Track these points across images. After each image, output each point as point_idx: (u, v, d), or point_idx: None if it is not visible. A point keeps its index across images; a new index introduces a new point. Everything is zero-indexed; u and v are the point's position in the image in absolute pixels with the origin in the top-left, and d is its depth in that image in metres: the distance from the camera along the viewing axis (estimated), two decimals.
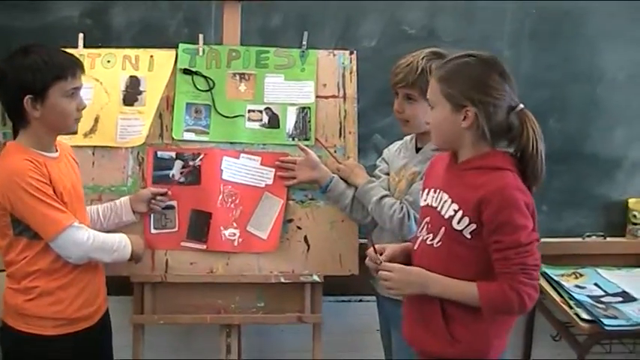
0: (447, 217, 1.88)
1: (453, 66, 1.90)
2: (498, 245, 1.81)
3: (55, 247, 2.09)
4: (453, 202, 1.88)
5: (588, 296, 2.72)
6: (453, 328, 1.90)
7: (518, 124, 1.85)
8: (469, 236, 1.85)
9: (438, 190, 1.95)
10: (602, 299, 2.70)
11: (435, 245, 1.92)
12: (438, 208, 1.92)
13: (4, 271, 2.18)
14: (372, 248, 2.02)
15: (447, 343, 1.90)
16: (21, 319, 2.12)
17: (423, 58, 2.31)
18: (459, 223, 1.86)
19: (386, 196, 2.40)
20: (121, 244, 2.26)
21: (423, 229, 1.99)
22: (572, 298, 2.70)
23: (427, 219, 1.97)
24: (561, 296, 2.75)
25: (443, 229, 1.90)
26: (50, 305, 2.12)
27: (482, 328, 1.89)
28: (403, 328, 2.08)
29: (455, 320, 1.90)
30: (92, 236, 2.15)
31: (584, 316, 2.56)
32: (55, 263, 2.12)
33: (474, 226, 1.84)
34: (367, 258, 2.05)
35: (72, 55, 2.17)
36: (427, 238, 1.95)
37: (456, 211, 1.86)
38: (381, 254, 2.01)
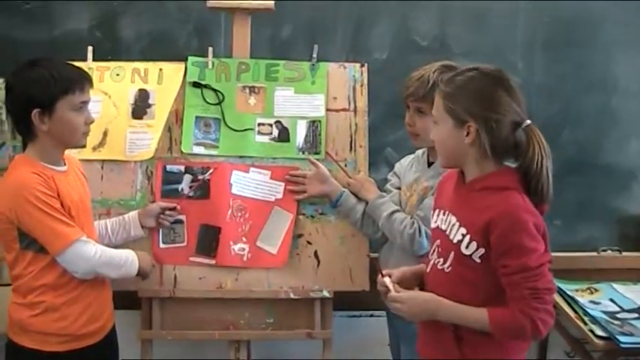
0: (455, 241, 1.84)
1: (456, 81, 1.86)
2: (506, 270, 1.75)
3: (62, 262, 2.07)
4: (461, 225, 1.84)
5: (603, 312, 2.67)
6: (466, 351, 1.86)
7: (525, 141, 1.79)
8: (479, 260, 1.79)
9: (446, 212, 1.91)
10: (618, 315, 2.65)
11: (445, 270, 1.88)
12: (447, 232, 1.88)
13: (10, 285, 2.16)
14: (380, 275, 1.98)
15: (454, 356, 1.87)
16: (25, 335, 2.10)
17: (434, 72, 2.28)
18: (467, 247, 1.81)
19: (397, 211, 2.37)
20: (129, 260, 2.24)
21: (434, 252, 1.95)
22: (586, 313, 2.65)
23: (437, 242, 1.93)
24: (575, 312, 2.70)
25: (452, 253, 1.85)
26: (55, 321, 2.10)
27: (495, 351, 1.85)
28: (417, 343, 2.05)
29: (467, 344, 1.85)
30: (99, 251, 2.14)
31: (599, 332, 2.51)
32: (61, 278, 2.10)
33: (482, 251, 1.78)
34: (378, 284, 2.00)
35: (80, 68, 2.16)
36: (438, 262, 1.91)
37: (464, 236, 1.82)
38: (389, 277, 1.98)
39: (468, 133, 1.81)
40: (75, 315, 2.13)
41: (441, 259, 1.89)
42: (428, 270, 1.97)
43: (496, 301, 1.79)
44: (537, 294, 1.74)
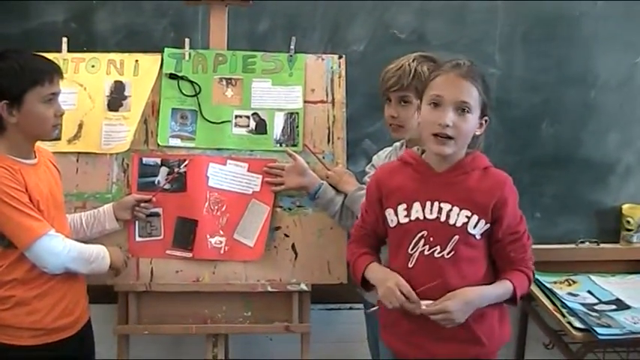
0: (460, 224, 1.89)
1: (481, 73, 1.92)
2: (516, 235, 1.92)
3: (30, 257, 2.04)
4: (461, 208, 1.89)
5: (581, 304, 2.68)
6: (479, 327, 1.93)
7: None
8: (479, 237, 1.90)
9: (430, 202, 1.92)
10: (596, 307, 2.67)
11: (446, 256, 1.90)
12: (442, 219, 1.90)
13: None
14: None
15: (477, 343, 1.94)
16: None
17: (413, 61, 2.27)
18: (475, 227, 1.89)
19: None
20: (100, 255, 2.22)
21: (418, 243, 1.93)
22: (564, 306, 2.67)
23: (423, 233, 1.92)
24: (554, 304, 2.71)
25: (456, 237, 1.89)
26: (27, 315, 2.07)
27: (496, 319, 1.97)
28: (397, 344, 2.05)
29: (477, 320, 1.92)
30: (68, 246, 2.11)
31: (577, 324, 2.53)
32: (30, 272, 2.07)
33: (487, 227, 1.90)
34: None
35: (50, 60, 2.13)
36: (433, 251, 1.91)
37: (469, 217, 1.88)
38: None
39: (481, 125, 1.92)
40: (47, 309, 2.10)
41: (437, 247, 1.91)
42: (412, 264, 1.94)
43: (490, 273, 1.94)
44: (530, 251, 1.99)
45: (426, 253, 1.92)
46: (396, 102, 2.32)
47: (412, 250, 1.95)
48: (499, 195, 1.87)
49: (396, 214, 1.97)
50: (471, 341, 1.93)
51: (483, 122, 1.92)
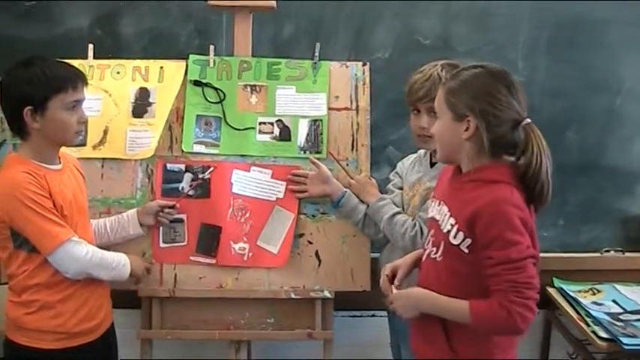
0: (445, 231, 1.86)
1: (460, 76, 1.86)
2: (489, 261, 1.76)
3: (52, 261, 2.06)
4: (451, 216, 1.85)
5: (606, 313, 2.66)
6: (455, 343, 1.87)
7: (524, 139, 1.79)
8: (467, 251, 1.81)
9: (440, 203, 1.92)
10: (621, 317, 2.64)
11: (437, 260, 1.90)
12: (439, 222, 1.89)
13: (6, 283, 2.16)
14: (388, 281, 2.04)
15: (450, 357, 1.88)
16: (21, 333, 2.09)
17: (442, 70, 2.24)
18: (455, 237, 1.82)
19: (398, 213, 2.35)
20: (120, 262, 2.24)
21: (429, 242, 1.96)
22: (589, 315, 2.65)
23: (432, 232, 1.95)
24: (578, 313, 2.69)
25: (443, 243, 1.87)
26: (50, 319, 2.09)
27: (484, 343, 1.86)
28: (411, 341, 2.06)
29: (455, 338, 1.87)
30: (91, 252, 2.13)
31: (602, 334, 2.51)
32: (54, 277, 2.09)
33: (469, 241, 1.80)
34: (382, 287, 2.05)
35: (74, 67, 2.14)
36: (432, 251, 1.93)
37: (452, 226, 1.83)
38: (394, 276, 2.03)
39: (467, 128, 1.81)
40: (70, 312, 2.12)
41: (434, 249, 1.91)
42: (423, 259, 1.99)
43: (484, 294, 1.79)
44: (517, 287, 1.74)
45: (428, 251, 1.94)
46: (426, 113, 2.28)
47: (427, 245, 1.98)
48: (473, 209, 1.76)
49: (430, 207, 2.02)
50: (440, 348, 1.89)
51: (468, 125, 1.80)
